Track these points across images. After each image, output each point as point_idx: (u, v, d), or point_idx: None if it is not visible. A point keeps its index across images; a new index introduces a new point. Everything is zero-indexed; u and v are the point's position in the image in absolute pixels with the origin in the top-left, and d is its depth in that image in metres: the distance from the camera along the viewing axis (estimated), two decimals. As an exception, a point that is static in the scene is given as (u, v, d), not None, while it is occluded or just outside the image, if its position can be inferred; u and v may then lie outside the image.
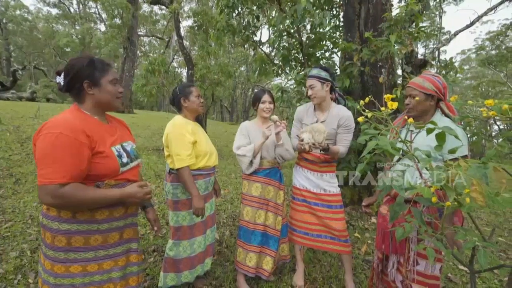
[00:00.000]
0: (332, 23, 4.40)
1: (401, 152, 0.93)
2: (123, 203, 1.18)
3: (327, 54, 4.39)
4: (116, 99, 1.24)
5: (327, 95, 2.00)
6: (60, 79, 1.18)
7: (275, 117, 1.98)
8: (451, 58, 3.38)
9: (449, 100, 1.45)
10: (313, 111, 2.08)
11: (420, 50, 22.31)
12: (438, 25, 18.54)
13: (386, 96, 1.00)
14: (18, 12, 24.07)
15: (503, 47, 16.41)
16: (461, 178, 0.83)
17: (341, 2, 4.26)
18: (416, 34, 3.05)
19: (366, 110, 1.02)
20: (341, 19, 4.33)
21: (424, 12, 3.80)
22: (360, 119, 1.03)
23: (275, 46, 4.18)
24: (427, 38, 20.25)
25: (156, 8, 23.72)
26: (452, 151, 0.98)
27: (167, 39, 22.18)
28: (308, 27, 4.30)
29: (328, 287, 2.18)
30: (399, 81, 3.52)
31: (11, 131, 5.56)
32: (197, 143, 1.83)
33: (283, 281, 2.19)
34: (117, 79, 1.25)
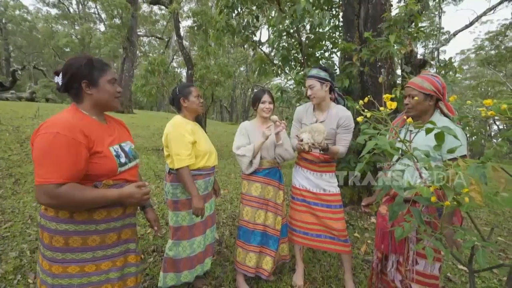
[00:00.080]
0: (331, 23, 4.40)
1: (400, 152, 0.93)
2: (121, 203, 1.17)
3: (326, 54, 4.39)
4: (114, 99, 1.24)
5: (327, 95, 2.00)
6: (59, 79, 1.17)
7: (274, 117, 1.98)
8: (450, 58, 3.38)
9: (448, 100, 1.45)
10: (313, 111, 2.07)
11: (420, 50, 22.37)
12: (438, 25, 18.57)
13: (385, 96, 1.00)
14: (17, 12, 24.08)
15: (503, 47, 16.43)
16: (460, 177, 0.83)
17: (340, 2, 4.26)
18: (415, 34, 3.06)
19: (366, 110, 1.02)
20: (341, 19, 4.33)
21: (424, 12, 3.80)
22: (359, 119, 1.03)
23: (275, 46, 4.18)
24: (426, 38, 20.28)
25: (155, 8, 23.80)
26: (451, 151, 0.98)
27: (166, 39, 22.18)
28: (308, 27, 4.29)
29: (327, 286, 2.17)
30: (399, 81, 3.53)
31: (10, 131, 5.56)
32: (196, 143, 1.83)
33: (283, 281, 2.19)
34: (116, 79, 1.25)
